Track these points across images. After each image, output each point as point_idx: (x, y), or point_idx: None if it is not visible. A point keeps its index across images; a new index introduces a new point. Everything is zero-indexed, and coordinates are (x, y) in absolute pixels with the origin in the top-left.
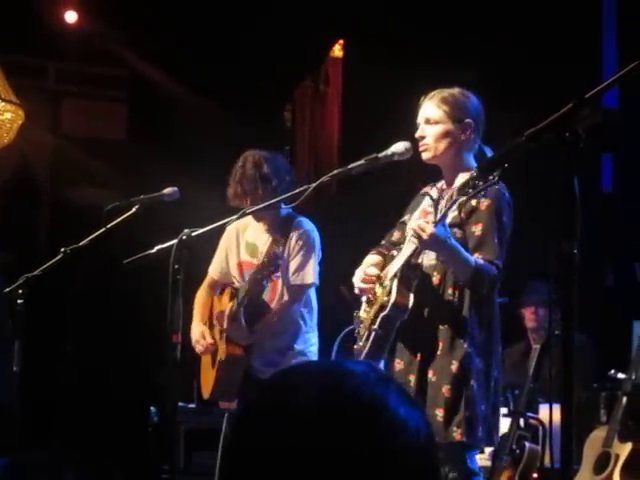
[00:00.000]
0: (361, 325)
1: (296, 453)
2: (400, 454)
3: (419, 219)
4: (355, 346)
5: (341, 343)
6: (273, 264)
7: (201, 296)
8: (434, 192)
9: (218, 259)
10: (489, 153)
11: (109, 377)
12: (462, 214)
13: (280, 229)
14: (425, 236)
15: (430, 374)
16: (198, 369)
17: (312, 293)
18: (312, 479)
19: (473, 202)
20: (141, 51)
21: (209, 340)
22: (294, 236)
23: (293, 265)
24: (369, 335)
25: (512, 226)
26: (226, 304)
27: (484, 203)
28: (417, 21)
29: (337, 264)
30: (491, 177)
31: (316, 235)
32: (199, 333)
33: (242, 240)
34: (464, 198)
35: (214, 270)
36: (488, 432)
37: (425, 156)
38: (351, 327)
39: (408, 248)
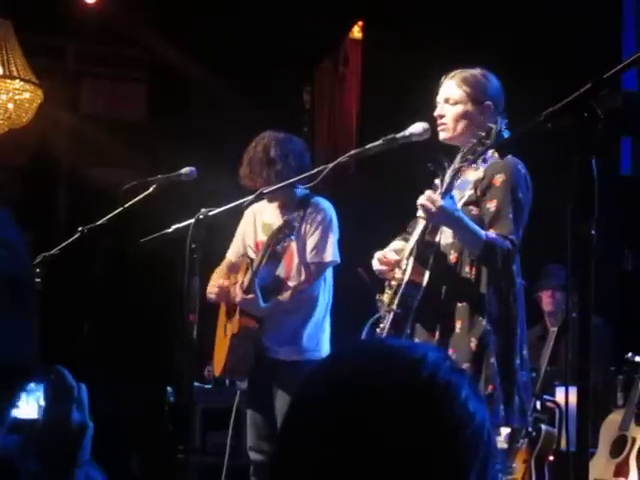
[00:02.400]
0: (383, 307)
1: (365, 437)
2: (464, 444)
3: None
4: (377, 329)
5: (370, 330)
6: (288, 227)
7: (217, 272)
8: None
9: (235, 243)
10: (506, 135)
11: (125, 356)
12: (478, 191)
13: (296, 209)
14: (434, 209)
15: (450, 352)
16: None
17: (328, 271)
18: (377, 462)
19: (488, 179)
20: (160, 32)
21: (222, 283)
22: (311, 214)
23: (311, 243)
24: (389, 316)
25: (531, 203)
26: (243, 276)
27: (498, 179)
28: (436, 2)
29: (355, 246)
30: (488, 141)
31: (333, 213)
32: (213, 282)
33: (259, 222)
34: (465, 165)
35: (231, 253)
36: (519, 411)
37: (442, 135)
38: (379, 314)
39: (420, 225)
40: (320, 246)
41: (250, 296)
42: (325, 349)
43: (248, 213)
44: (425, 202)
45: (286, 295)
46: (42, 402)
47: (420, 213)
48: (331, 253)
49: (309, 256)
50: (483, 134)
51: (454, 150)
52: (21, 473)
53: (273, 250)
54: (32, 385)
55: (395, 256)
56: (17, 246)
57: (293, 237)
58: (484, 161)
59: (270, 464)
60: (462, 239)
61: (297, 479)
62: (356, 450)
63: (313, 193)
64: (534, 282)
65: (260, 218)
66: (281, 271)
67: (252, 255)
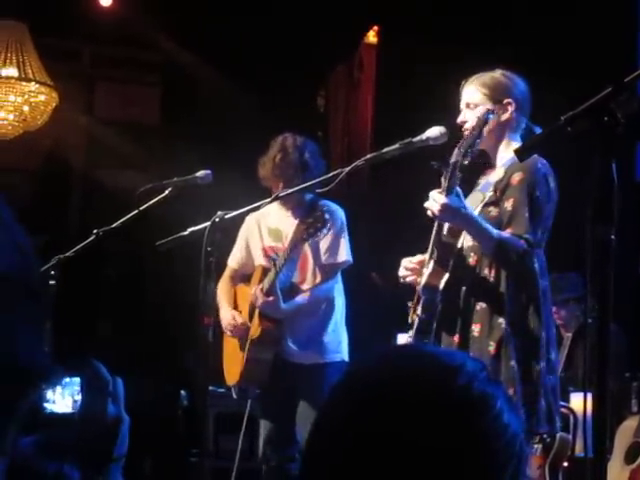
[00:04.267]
0: (410, 314)
1: (397, 442)
2: (496, 456)
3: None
4: (408, 335)
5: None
6: (315, 224)
7: (223, 287)
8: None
9: (237, 249)
10: (538, 132)
11: (139, 359)
12: (497, 192)
13: (306, 212)
14: (437, 206)
15: None
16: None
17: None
18: (405, 468)
19: (506, 178)
20: (175, 35)
21: (240, 321)
22: (323, 217)
23: (324, 245)
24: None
25: (555, 199)
26: (256, 284)
27: (516, 178)
28: (451, 7)
29: (368, 251)
30: (476, 131)
31: (343, 215)
32: (230, 316)
33: (263, 227)
34: (461, 159)
35: (233, 259)
36: (545, 416)
37: None
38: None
39: (434, 226)
40: (333, 248)
41: (271, 298)
42: (346, 351)
43: (250, 219)
44: (430, 203)
45: (304, 296)
46: (77, 397)
47: (430, 213)
48: (344, 254)
49: (323, 257)
50: (474, 124)
51: (484, 154)
52: (39, 474)
53: (297, 249)
54: (67, 380)
55: (416, 259)
56: (28, 250)
57: (325, 231)
58: (472, 148)
59: (301, 472)
60: (474, 237)
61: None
62: (388, 456)
63: (319, 197)
64: None
65: (265, 223)
66: (295, 275)
67: (261, 261)
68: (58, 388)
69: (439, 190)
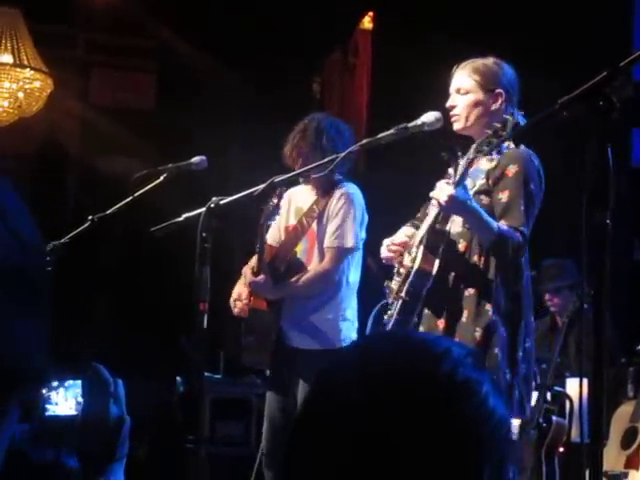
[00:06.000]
0: (391, 295)
1: (382, 430)
2: (482, 441)
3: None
4: (385, 316)
5: (377, 316)
6: (329, 201)
7: (250, 263)
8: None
9: (274, 228)
10: (522, 121)
11: (135, 346)
12: (489, 181)
13: (324, 191)
14: (444, 198)
15: None
16: (224, 338)
17: (357, 259)
18: (389, 455)
19: (500, 169)
20: (170, 21)
21: (245, 301)
22: (335, 198)
23: (331, 227)
24: (397, 303)
25: (542, 196)
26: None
27: (511, 170)
28: None
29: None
30: (505, 133)
31: (358, 198)
32: (237, 293)
33: (293, 206)
34: (479, 156)
35: (270, 239)
36: (517, 403)
37: (456, 126)
38: (386, 300)
39: (431, 213)
40: (339, 231)
41: (260, 277)
42: (349, 338)
43: (285, 197)
44: (437, 193)
45: (300, 279)
46: (80, 399)
47: (434, 202)
48: (350, 239)
49: (328, 241)
50: (499, 125)
51: (469, 140)
52: (36, 462)
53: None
54: (70, 382)
55: (403, 238)
56: (30, 240)
57: (332, 211)
58: (499, 152)
59: (287, 447)
60: (475, 229)
61: (314, 465)
62: (372, 443)
63: (344, 178)
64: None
65: (294, 202)
66: (303, 255)
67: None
68: (61, 390)
69: (447, 181)
